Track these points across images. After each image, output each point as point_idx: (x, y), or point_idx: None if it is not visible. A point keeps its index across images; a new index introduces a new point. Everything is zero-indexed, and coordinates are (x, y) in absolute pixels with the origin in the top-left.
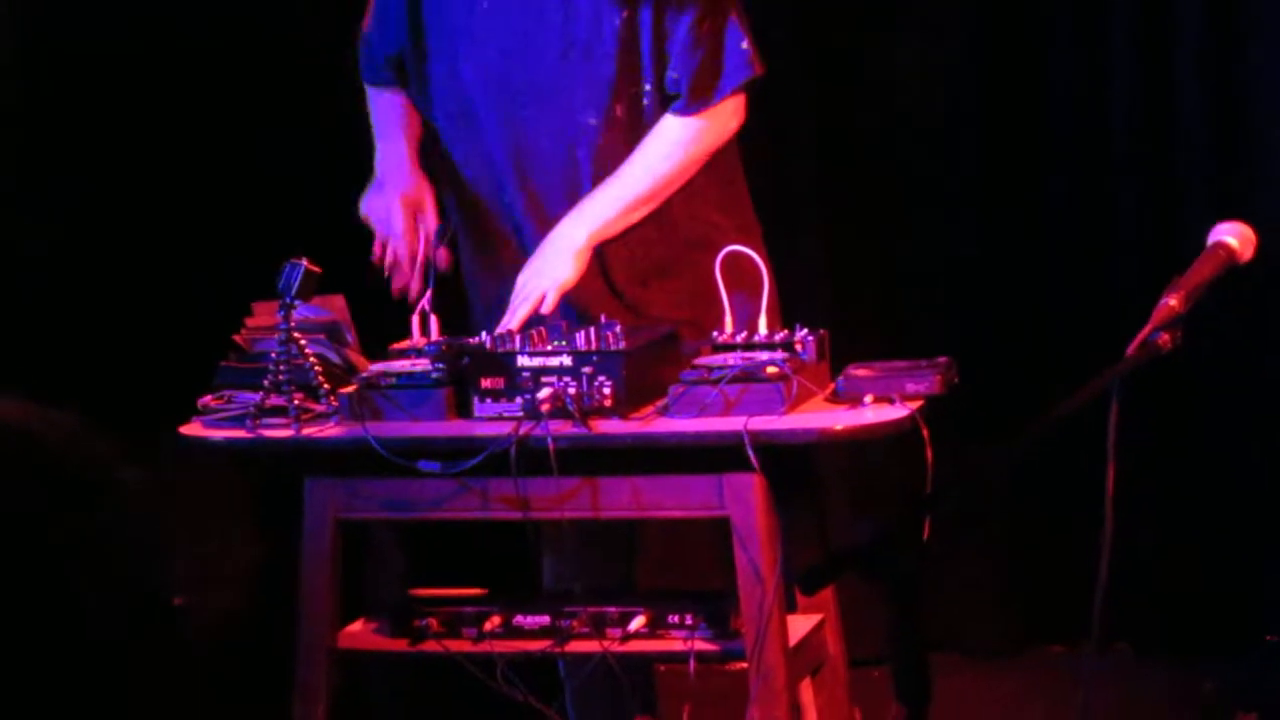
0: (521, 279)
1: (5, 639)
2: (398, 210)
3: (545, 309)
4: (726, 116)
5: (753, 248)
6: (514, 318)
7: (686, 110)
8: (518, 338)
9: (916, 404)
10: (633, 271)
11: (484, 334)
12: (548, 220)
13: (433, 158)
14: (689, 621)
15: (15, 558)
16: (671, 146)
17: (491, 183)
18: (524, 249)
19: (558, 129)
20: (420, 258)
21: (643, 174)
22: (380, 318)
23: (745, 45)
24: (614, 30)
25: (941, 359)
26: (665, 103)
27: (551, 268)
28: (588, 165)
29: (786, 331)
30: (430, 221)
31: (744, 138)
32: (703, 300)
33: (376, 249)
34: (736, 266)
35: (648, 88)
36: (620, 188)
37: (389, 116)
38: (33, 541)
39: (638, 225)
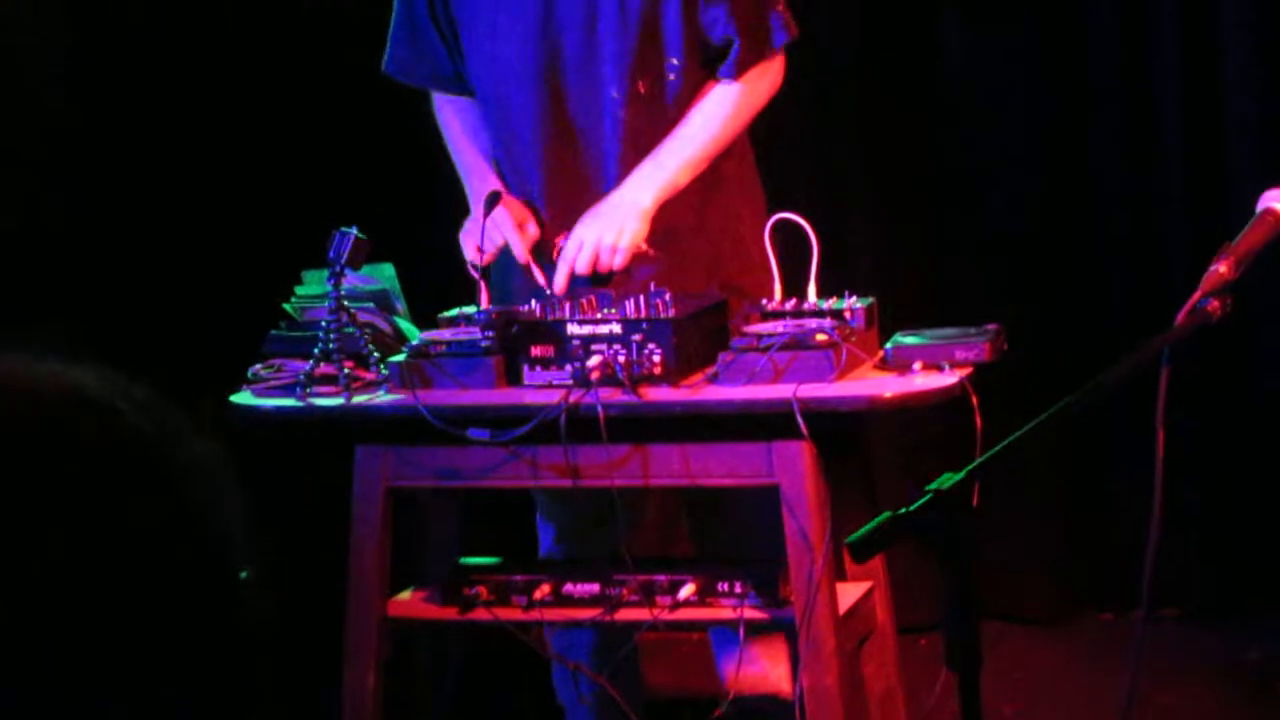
0: (580, 233)
1: (83, 609)
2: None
3: (616, 265)
4: (773, 75)
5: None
6: (570, 268)
7: (732, 75)
8: (567, 305)
9: (966, 371)
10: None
11: (534, 301)
12: (567, 198)
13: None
14: (738, 590)
15: (97, 530)
16: (724, 108)
17: (514, 156)
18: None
19: (586, 104)
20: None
21: (702, 134)
22: (429, 286)
23: (780, 9)
24: (638, 3)
25: (991, 326)
26: (695, 85)
27: (620, 227)
28: (614, 142)
29: (835, 299)
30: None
31: (784, 107)
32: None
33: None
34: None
35: (674, 62)
36: (682, 149)
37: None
38: (114, 514)
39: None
